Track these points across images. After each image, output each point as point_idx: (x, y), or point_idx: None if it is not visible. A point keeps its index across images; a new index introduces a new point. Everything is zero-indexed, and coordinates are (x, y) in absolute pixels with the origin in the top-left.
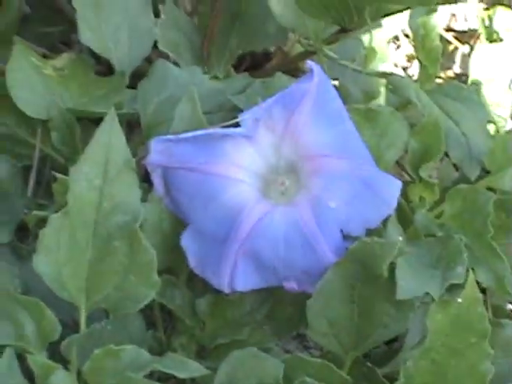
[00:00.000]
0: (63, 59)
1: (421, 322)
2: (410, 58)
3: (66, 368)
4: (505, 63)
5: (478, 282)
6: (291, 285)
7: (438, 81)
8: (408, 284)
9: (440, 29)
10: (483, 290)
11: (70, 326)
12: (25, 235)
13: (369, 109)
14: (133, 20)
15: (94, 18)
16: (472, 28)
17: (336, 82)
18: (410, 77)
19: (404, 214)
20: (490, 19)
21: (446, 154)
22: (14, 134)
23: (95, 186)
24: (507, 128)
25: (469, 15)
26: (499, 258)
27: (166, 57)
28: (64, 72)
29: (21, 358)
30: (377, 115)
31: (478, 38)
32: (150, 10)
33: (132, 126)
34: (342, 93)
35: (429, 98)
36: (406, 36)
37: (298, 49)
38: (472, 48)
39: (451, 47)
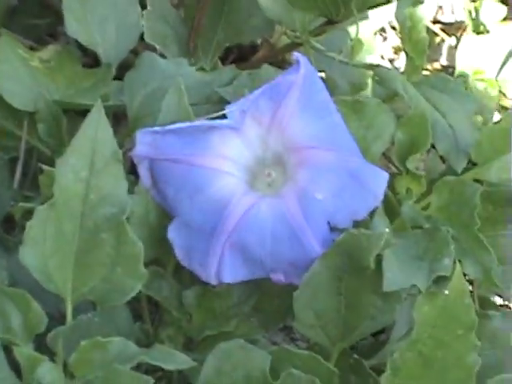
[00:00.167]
0: (50, 51)
1: (408, 314)
2: (396, 50)
3: (53, 360)
4: (491, 55)
5: (464, 274)
6: (278, 277)
7: (425, 73)
8: (395, 276)
9: (427, 21)
10: (470, 282)
11: (57, 318)
12: (11, 227)
13: (356, 100)
14: (119, 12)
15: (81, 9)
16: (459, 20)
17: (323, 74)
18: (396, 69)
19: (391, 206)
20: (477, 11)
21: (433, 146)
22: (1, 126)
23: (82, 177)
24: (494, 120)
25: (456, 7)
26: (486, 249)
27: (153, 49)
28: (50, 64)
29: (7, 349)
30: (364, 107)
31: (464, 30)
32: (136, 2)
33: (118, 118)
34: (329, 84)
35: (415, 90)
36: (393, 28)
37: (285, 41)
38: (459, 40)
39: (438, 39)
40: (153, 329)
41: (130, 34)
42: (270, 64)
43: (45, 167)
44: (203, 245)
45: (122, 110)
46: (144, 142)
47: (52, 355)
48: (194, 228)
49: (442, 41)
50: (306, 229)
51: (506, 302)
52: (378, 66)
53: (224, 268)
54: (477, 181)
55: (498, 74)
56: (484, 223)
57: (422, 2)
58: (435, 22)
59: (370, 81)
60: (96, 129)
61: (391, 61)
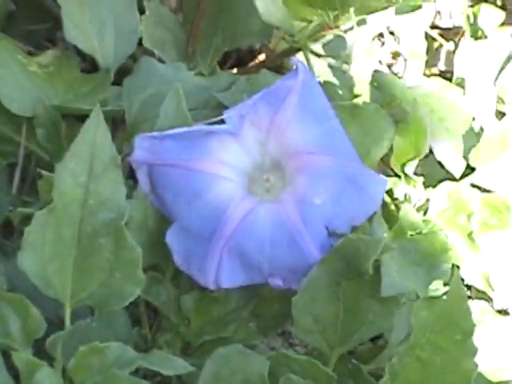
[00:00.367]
0: (48, 56)
1: (406, 319)
2: (394, 55)
3: (51, 365)
4: (489, 60)
5: (462, 279)
6: (276, 282)
7: (423, 78)
8: (393, 281)
9: (425, 26)
10: (468, 287)
11: (55, 323)
12: (10, 232)
13: (354, 106)
14: (118, 17)
15: (79, 15)
16: (457, 25)
17: (321, 79)
18: (394, 74)
19: (389, 211)
20: (475, 16)
21: (431, 151)
22: None
23: (80, 183)
24: (492, 125)
25: (454, 12)
26: (484, 255)
27: (151, 54)
28: (49, 69)
29: (6, 355)
30: (362, 112)
31: (462, 35)
32: (134, 7)
33: (117, 123)
34: (327, 90)
35: (414, 95)
36: (391, 33)
37: (283, 46)
38: (457, 45)
39: (436, 44)
40: (151, 334)
41: (129, 40)
42: (269, 69)
43: (44, 172)
44: (201, 250)
45: (120, 115)
46: (142, 147)
47: (51, 360)
48: (192, 233)
49: (440, 46)
50: (305, 234)
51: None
52: (376, 71)
53: (222, 273)
54: (474, 186)
55: (496, 79)
56: (481, 228)
57: (420, 8)
58: (433, 27)
59: (368, 86)
60: (95, 134)
61: (389, 66)
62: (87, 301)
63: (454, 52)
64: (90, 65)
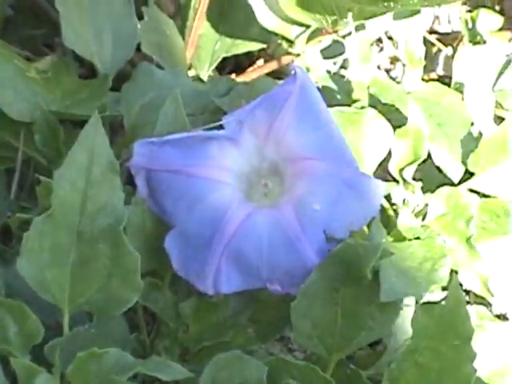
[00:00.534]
0: (47, 62)
1: (405, 325)
2: (393, 60)
3: (50, 371)
4: (488, 65)
5: (461, 284)
6: (275, 287)
7: (422, 83)
8: (392, 286)
9: (423, 31)
10: (467, 292)
11: (54, 329)
12: (8, 238)
13: (352, 111)
14: (116, 23)
15: (78, 20)
16: (455, 30)
17: (319, 84)
18: (393, 79)
19: (388, 216)
20: (473, 21)
21: (430, 156)
22: None
23: (79, 188)
24: (490, 130)
25: (452, 17)
26: (482, 260)
27: (150, 59)
28: (47, 75)
29: (4, 360)
30: (360, 117)
31: (461, 40)
32: (132, 13)
33: (115, 129)
34: (326, 95)
35: (412, 100)
36: (390, 38)
37: (282, 51)
38: (455, 50)
39: (434, 49)
40: (149, 340)
41: (127, 45)
42: (267, 74)
43: (42, 178)
44: (200, 255)
45: (118, 121)
46: (141, 153)
47: (49, 366)
48: (190, 239)
49: (439, 51)
50: (303, 239)
51: (503, 312)
52: (374, 76)
53: (221, 278)
54: (473, 191)
55: (495, 84)
56: (480, 233)
57: (418, 13)
58: (432, 32)
59: (366, 91)
60: (93, 139)
61: (388, 71)
62: (85, 306)
63: (452, 57)
64: (88, 70)
